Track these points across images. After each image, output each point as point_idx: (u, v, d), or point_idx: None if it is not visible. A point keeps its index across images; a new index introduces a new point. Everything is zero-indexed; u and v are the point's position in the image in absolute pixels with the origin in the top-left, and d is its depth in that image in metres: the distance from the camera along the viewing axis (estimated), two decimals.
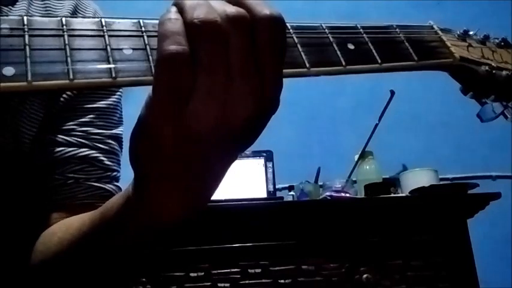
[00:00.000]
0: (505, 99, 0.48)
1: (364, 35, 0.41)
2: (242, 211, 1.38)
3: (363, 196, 1.58)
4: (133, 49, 0.34)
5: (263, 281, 1.33)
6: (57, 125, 0.59)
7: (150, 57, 0.34)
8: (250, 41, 0.32)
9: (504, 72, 0.47)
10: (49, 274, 0.51)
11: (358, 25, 0.42)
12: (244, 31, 0.31)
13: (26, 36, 0.33)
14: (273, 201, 1.55)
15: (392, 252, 1.40)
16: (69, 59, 0.32)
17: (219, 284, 1.31)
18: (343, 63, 0.39)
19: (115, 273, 0.47)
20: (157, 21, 0.33)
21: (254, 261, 1.34)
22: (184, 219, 0.38)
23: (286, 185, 1.78)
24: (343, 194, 1.57)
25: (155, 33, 0.33)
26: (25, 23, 0.33)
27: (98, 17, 0.35)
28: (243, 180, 1.61)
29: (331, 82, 2.01)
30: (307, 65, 0.38)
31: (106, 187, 0.59)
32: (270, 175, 1.63)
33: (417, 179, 1.61)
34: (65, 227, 0.53)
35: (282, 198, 1.64)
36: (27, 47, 0.32)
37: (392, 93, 1.67)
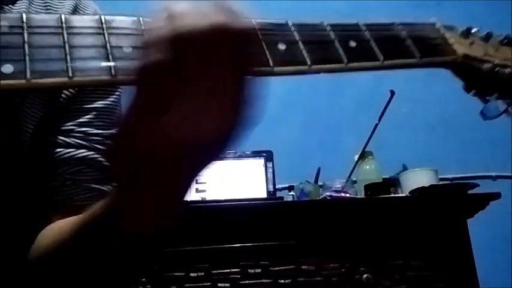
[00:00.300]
0: (508, 96, 0.48)
1: (366, 33, 0.41)
2: (242, 211, 1.37)
3: (363, 196, 1.58)
4: (133, 47, 0.34)
5: (263, 281, 1.33)
6: (56, 125, 0.59)
7: None
8: (235, 54, 0.31)
9: (507, 70, 0.46)
10: (47, 275, 0.50)
11: (360, 22, 0.41)
12: (232, 44, 0.31)
13: (25, 34, 0.32)
14: (273, 201, 1.55)
15: (392, 252, 1.40)
16: (68, 56, 0.32)
17: (219, 284, 1.31)
18: (345, 60, 0.38)
19: (115, 273, 0.47)
20: None
21: (254, 261, 1.34)
22: (159, 227, 0.38)
23: (286, 185, 1.77)
24: (343, 194, 1.56)
25: None
26: (24, 20, 0.33)
27: (97, 15, 0.35)
28: (243, 180, 1.61)
29: (331, 82, 2.01)
30: (309, 63, 0.37)
31: (104, 188, 0.59)
32: (270, 175, 1.63)
33: (417, 179, 1.60)
34: (57, 228, 0.53)
35: (282, 198, 1.63)
36: (26, 45, 0.32)
37: (392, 93, 1.67)
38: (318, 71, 0.38)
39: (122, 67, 0.33)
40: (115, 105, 0.63)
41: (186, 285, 1.30)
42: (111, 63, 0.33)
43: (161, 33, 0.30)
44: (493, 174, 2.05)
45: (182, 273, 1.31)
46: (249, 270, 1.33)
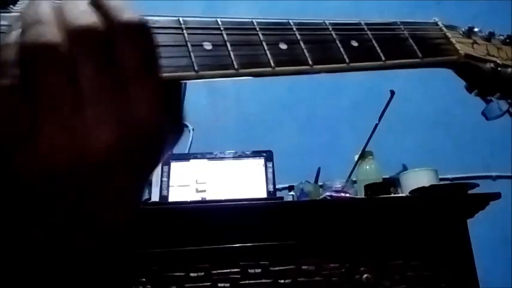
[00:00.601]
0: (510, 96, 0.48)
1: (368, 32, 0.40)
2: (242, 211, 1.37)
3: (363, 196, 1.58)
4: None
5: (263, 281, 1.33)
6: None
7: None
8: (105, 58, 0.26)
9: (509, 70, 0.46)
10: (45, 275, 0.50)
11: (361, 22, 0.41)
12: (95, 47, 0.26)
13: None
14: (273, 201, 1.55)
15: (392, 252, 1.40)
16: None
17: (219, 284, 1.31)
18: (347, 60, 0.38)
19: (115, 273, 0.47)
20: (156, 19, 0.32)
21: (254, 261, 1.34)
22: (104, 245, 0.34)
23: (286, 185, 1.77)
24: (343, 194, 1.56)
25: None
26: None
27: None
28: (243, 180, 1.61)
29: (331, 82, 2.01)
30: (310, 63, 0.37)
31: None
32: (270, 175, 1.63)
33: (417, 179, 1.60)
34: None
35: (282, 198, 1.63)
36: None
37: (392, 93, 1.67)
38: (319, 71, 0.38)
39: None
40: None
41: (186, 285, 1.30)
42: None
43: (10, 52, 0.26)
44: (493, 174, 2.05)
45: (182, 273, 1.30)
46: (249, 270, 1.33)
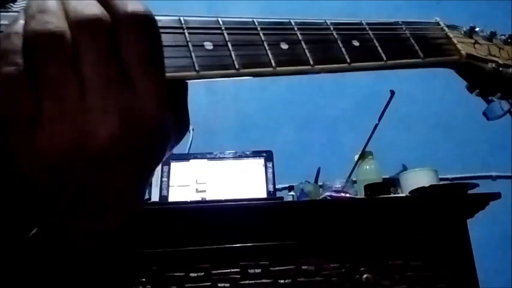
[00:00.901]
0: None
1: (370, 32, 0.40)
2: (242, 211, 1.37)
3: (363, 196, 1.58)
4: None
5: (263, 281, 1.33)
6: None
7: None
8: (109, 49, 0.26)
9: (511, 70, 0.46)
10: (45, 275, 0.50)
11: (363, 22, 0.41)
12: (100, 38, 0.26)
13: None
14: (273, 201, 1.55)
15: (392, 252, 1.40)
16: None
17: (219, 284, 1.30)
18: (348, 60, 0.38)
19: (114, 273, 0.47)
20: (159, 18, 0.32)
21: (254, 261, 1.34)
22: (104, 246, 0.34)
23: (286, 185, 1.77)
24: (343, 194, 1.56)
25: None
26: None
27: None
28: (243, 180, 1.61)
29: (331, 82, 2.01)
30: (311, 63, 0.37)
31: None
32: (270, 175, 1.62)
33: (417, 179, 1.60)
34: None
35: (282, 198, 1.63)
36: None
37: (392, 93, 1.67)
38: (320, 71, 0.38)
39: None
40: None
41: (186, 285, 1.29)
42: None
43: (13, 41, 0.26)
44: (493, 174, 2.06)
45: (182, 273, 1.30)
46: (249, 270, 1.33)
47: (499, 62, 0.47)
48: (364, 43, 0.40)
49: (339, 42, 0.39)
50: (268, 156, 1.66)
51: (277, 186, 1.67)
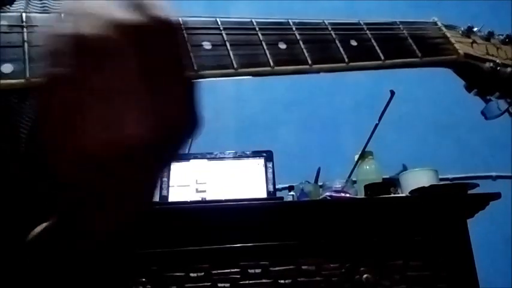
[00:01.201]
0: (509, 96, 0.48)
1: (368, 32, 0.40)
2: (242, 211, 1.37)
3: (363, 196, 1.58)
4: None
5: (263, 281, 1.33)
6: None
7: None
8: (144, 53, 0.28)
9: (509, 69, 0.46)
10: (44, 275, 0.50)
11: (361, 21, 0.41)
12: (141, 43, 0.28)
13: (25, 33, 0.32)
14: (273, 201, 1.55)
15: (392, 252, 1.40)
16: None
17: (219, 284, 1.31)
18: (346, 59, 0.38)
19: (114, 273, 0.47)
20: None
21: (254, 261, 1.34)
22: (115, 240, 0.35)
23: (286, 185, 1.77)
24: (343, 194, 1.56)
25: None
26: (24, 20, 0.33)
27: None
28: (243, 180, 1.61)
29: (331, 82, 2.01)
30: (310, 62, 0.37)
31: None
32: (270, 175, 1.63)
33: (417, 179, 1.60)
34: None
35: (282, 198, 1.63)
36: (26, 44, 0.32)
37: (392, 93, 1.67)
38: (318, 70, 0.38)
39: None
40: None
41: (186, 285, 1.30)
42: None
43: (60, 41, 0.27)
44: (493, 174, 2.05)
45: (182, 273, 1.30)
46: (249, 270, 1.33)
47: (497, 61, 0.47)
48: (362, 43, 0.40)
49: (337, 42, 0.39)
50: (268, 156, 1.66)
51: (277, 186, 1.67)
